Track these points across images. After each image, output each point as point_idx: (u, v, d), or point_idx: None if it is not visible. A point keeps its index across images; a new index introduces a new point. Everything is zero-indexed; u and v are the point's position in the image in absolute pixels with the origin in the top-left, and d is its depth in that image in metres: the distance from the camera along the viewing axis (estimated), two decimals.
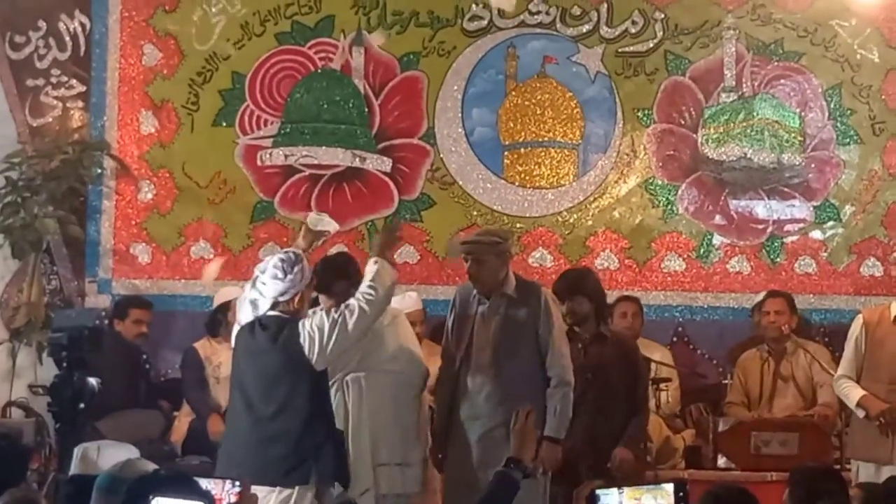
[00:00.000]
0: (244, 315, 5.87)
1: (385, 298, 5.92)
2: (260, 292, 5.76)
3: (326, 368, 5.81)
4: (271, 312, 5.76)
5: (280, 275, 5.71)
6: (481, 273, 6.38)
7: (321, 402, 5.81)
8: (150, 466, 4.11)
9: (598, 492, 4.05)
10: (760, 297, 8.46)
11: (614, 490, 4.09)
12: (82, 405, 6.44)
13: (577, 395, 6.35)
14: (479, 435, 6.30)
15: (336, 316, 5.70)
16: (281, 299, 5.74)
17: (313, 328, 5.66)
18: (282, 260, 5.75)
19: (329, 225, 6.37)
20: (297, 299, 5.77)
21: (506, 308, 6.37)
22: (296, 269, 5.72)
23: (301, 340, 5.65)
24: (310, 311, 5.89)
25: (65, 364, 6.42)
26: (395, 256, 8.93)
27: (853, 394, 6.78)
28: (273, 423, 5.68)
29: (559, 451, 6.23)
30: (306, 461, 5.65)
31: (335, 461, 5.74)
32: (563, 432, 6.22)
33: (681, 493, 4.11)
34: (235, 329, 5.98)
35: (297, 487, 5.61)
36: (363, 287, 5.84)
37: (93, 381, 6.54)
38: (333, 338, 5.67)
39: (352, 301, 5.78)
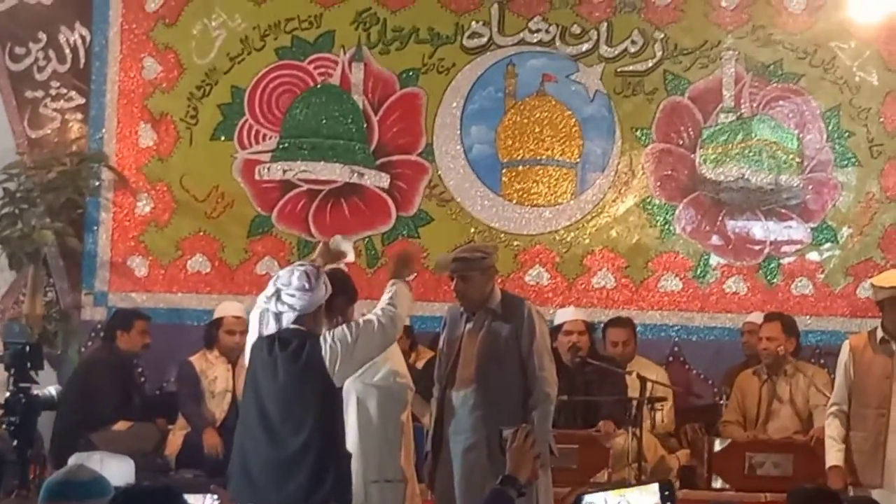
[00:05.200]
0: (266, 328, 5.74)
1: (403, 317, 5.92)
2: (289, 305, 5.65)
3: (341, 386, 5.73)
4: (292, 326, 5.67)
5: (307, 286, 5.62)
6: (468, 290, 6.38)
7: (338, 420, 5.73)
8: (96, 472, 3.98)
9: (585, 498, 3.98)
10: (751, 316, 8.47)
11: (600, 494, 4.01)
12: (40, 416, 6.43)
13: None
14: (462, 449, 6.29)
15: (358, 330, 5.64)
16: (305, 313, 5.66)
17: (335, 341, 5.59)
18: (306, 272, 5.67)
19: (349, 251, 6.34)
20: (316, 313, 5.71)
21: (490, 322, 6.37)
22: (320, 280, 5.67)
23: (323, 354, 5.58)
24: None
25: (13, 379, 6.38)
26: None
27: (829, 456, 6.72)
28: (293, 441, 5.59)
29: (537, 463, 6.18)
30: (325, 480, 5.57)
31: (347, 480, 5.69)
32: (542, 445, 6.18)
33: (666, 492, 4.02)
34: (249, 342, 5.88)
35: None
36: (383, 304, 5.81)
37: (50, 390, 6.51)
38: (357, 352, 5.63)
39: (371, 317, 5.74)
